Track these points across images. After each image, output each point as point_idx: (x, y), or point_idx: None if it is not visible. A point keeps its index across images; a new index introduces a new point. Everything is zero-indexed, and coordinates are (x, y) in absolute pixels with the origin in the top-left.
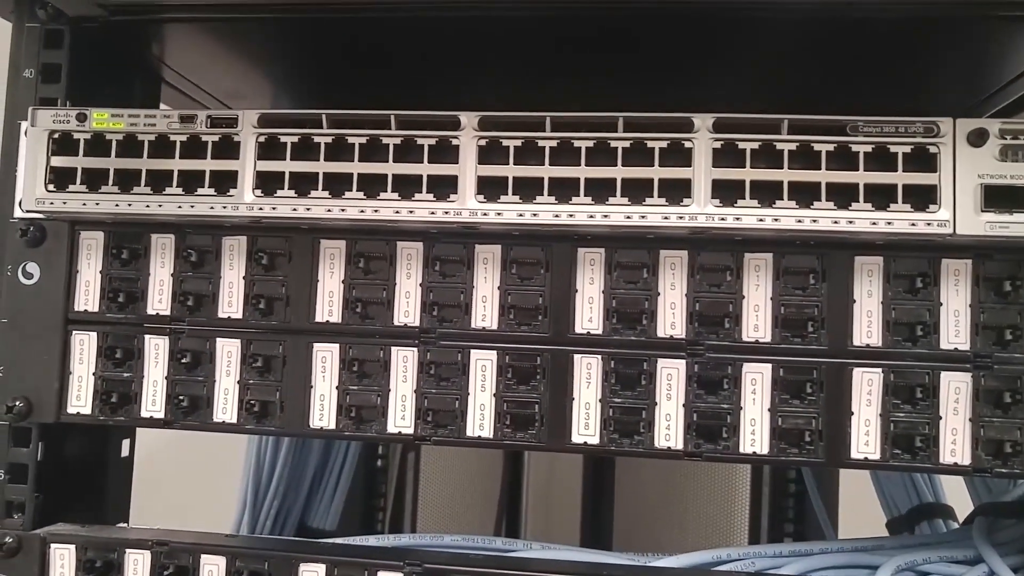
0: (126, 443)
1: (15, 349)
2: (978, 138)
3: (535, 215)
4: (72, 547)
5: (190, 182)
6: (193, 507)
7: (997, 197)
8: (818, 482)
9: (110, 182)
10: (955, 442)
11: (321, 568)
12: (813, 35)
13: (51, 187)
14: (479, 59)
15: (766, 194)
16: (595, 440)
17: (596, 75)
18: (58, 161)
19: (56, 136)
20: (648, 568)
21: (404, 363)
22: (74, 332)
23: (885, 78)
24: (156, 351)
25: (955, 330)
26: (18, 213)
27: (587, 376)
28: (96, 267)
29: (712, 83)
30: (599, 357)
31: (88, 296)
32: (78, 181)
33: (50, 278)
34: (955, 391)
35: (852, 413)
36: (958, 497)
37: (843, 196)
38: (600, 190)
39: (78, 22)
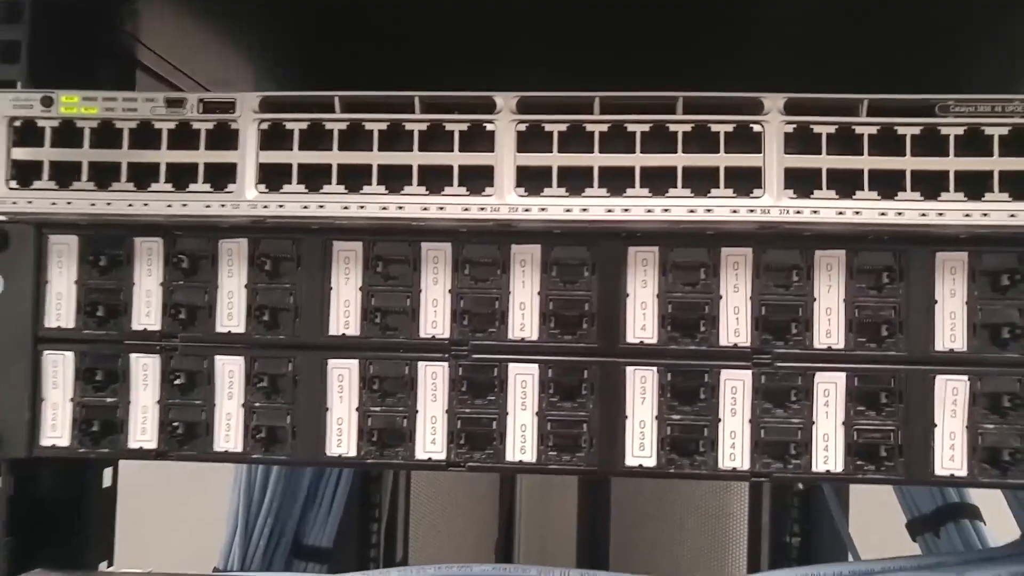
0: (108, 472)
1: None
2: None
3: (584, 210)
4: None
5: (180, 177)
6: (180, 531)
7: None
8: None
9: (84, 177)
10: None
11: None
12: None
13: (13, 184)
14: (502, 36)
15: (845, 184)
16: (651, 462)
17: (638, 52)
18: (20, 153)
19: (17, 124)
20: None
21: (433, 380)
22: (45, 352)
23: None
24: (144, 371)
25: None
26: None
27: (641, 391)
28: (70, 276)
29: (754, 60)
30: (654, 369)
31: (61, 310)
32: (45, 176)
33: (14, 290)
34: None
35: (935, 425)
36: (980, 495)
37: (931, 185)
38: (658, 181)
39: None
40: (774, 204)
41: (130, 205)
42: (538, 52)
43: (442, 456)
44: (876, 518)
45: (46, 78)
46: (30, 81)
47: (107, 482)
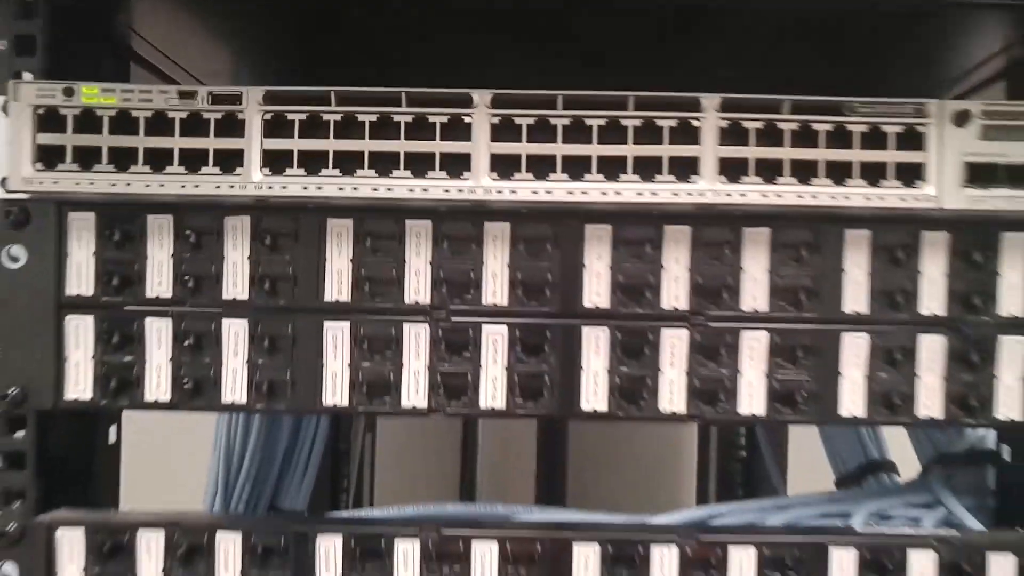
0: (113, 430)
1: (6, 335)
2: (962, 119)
3: (549, 192)
4: (81, 530)
5: (192, 161)
6: (158, 493)
7: (978, 174)
8: (770, 444)
9: (104, 160)
10: (930, 398)
11: (338, 539)
12: (802, 24)
13: (39, 165)
14: (479, 38)
15: (769, 171)
16: (604, 407)
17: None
18: (44, 138)
19: (41, 112)
20: (652, 526)
21: (416, 339)
22: (67, 316)
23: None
24: (158, 334)
25: (933, 296)
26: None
27: (595, 347)
28: (88, 249)
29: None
30: (606, 329)
31: (81, 279)
32: (68, 159)
33: (38, 261)
34: (931, 352)
35: (841, 375)
36: (900, 454)
37: (839, 173)
38: (611, 167)
39: None
40: (709, 188)
41: (147, 186)
42: (513, 57)
43: (424, 404)
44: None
45: (54, 69)
46: (43, 73)
47: (112, 439)
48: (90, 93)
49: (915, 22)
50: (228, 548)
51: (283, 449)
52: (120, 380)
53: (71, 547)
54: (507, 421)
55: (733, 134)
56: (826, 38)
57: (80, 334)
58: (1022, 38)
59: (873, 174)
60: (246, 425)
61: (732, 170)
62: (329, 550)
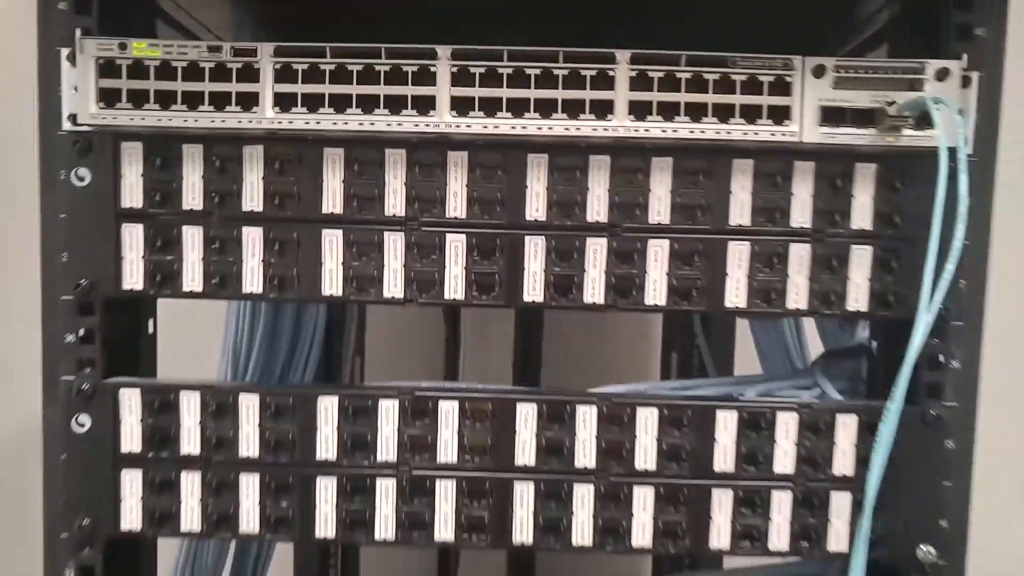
0: (151, 322)
1: (77, 239)
2: (819, 71)
3: (496, 127)
4: (137, 391)
5: (219, 101)
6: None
7: (831, 115)
8: (710, 341)
9: (151, 101)
10: (797, 294)
11: (335, 399)
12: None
13: (101, 105)
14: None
15: (669, 111)
16: (540, 299)
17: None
18: (104, 83)
19: (101, 62)
20: (578, 392)
21: (394, 244)
22: (123, 224)
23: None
24: (192, 238)
25: (801, 211)
26: (66, 127)
27: (535, 252)
28: (138, 171)
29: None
30: (543, 237)
31: (132, 195)
32: (123, 100)
33: (99, 180)
34: (799, 257)
35: (727, 275)
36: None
37: (724, 113)
38: (546, 108)
39: None
40: (621, 125)
41: (184, 121)
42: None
43: (401, 295)
44: None
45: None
46: (96, 30)
47: (151, 330)
48: (139, 47)
49: None
50: (249, 406)
51: (288, 339)
52: (163, 274)
53: (130, 403)
54: (488, 312)
55: (641, 81)
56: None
57: (132, 238)
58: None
59: (751, 114)
60: (252, 323)
61: (640, 111)
62: (327, 408)
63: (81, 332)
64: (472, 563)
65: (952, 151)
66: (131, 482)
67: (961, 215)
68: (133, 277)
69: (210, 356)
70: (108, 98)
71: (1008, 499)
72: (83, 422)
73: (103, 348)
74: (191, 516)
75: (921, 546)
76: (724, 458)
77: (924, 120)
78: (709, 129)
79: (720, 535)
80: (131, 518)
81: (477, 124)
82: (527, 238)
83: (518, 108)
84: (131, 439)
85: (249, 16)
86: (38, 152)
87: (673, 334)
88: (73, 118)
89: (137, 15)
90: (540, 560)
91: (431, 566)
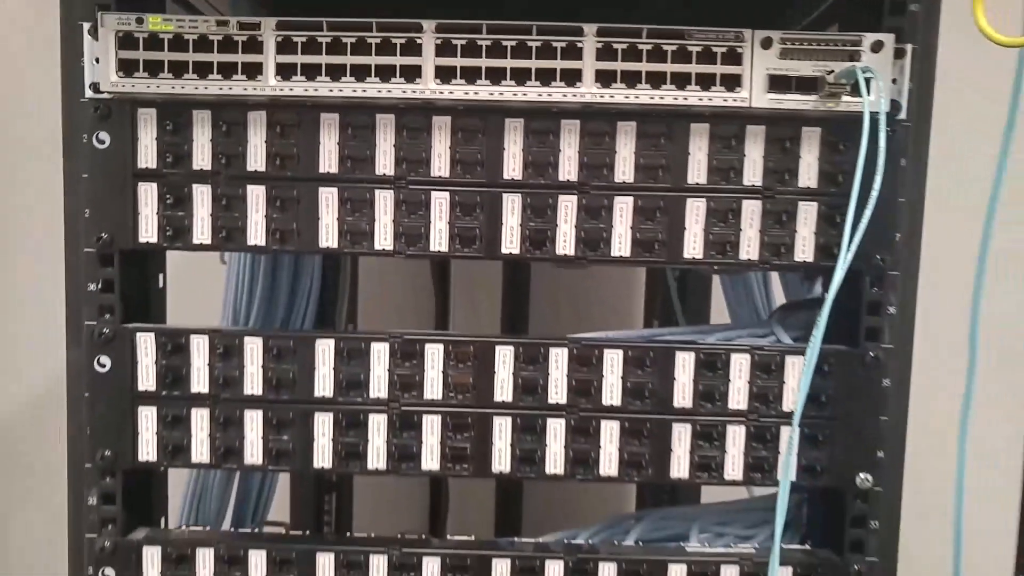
0: (161, 276)
1: (98, 197)
2: (766, 43)
3: (476, 94)
4: (152, 335)
5: (226, 71)
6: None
7: (778, 83)
8: (687, 298)
9: (165, 71)
10: (750, 246)
11: (331, 342)
12: None
13: (120, 74)
14: None
15: (631, 80)
16: (517, 251)
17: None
18: (123, 54)
19: (120, 35)
20: (551, 337)
21: (384, 201)
22: (139, 183)
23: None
24: (201, 196)
25: (753, 171)
26: (88, 95)
27: (511, 209)
28: (152, 135)
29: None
30: (519, 195)
31: (148, 156)
32: (140, 69)
33: (118, 143)
34: (751, 212)
35: (685, 229)
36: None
37: (682, 81)
38: (521, 76)
39: None
40: (589, 91)
41: (195, 89)
42: None
43: (391, 248)
44: None
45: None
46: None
47: (160, 284)
48: (155, 21)
49: None
50: (253, 348)
51: (285, 297)
52: (175, 229)
53: (146, 346)
54: (476, 272)
55: (606, 52)
56: None
57: (148, 196)
58: None
59: (706, 82)
60: (251, 283)
61: (606, 79)
62: (324, 350)
63: (101, 282)
64: (462, 499)
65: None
66: (147, 418)
67: (879, 168)
68: (148, 231)
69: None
70: (126, 68)
71: (938, 432)
72: (104, 363)
73: (121, 296)
74: (201, 449)
75: (861, 474)
76: (683, 395)
77: (863, 87)
78: (668, 96)
79: (680, 466)
80: (147, 450)
81: (459, 91)
82: (505, 195)
83: (496, 76)
84: (147, 379)
85: None
86: (61, 118)
87: (655, 289)
88: (95, 86)
89: None
90: (528, 495)
91: (423, 503)
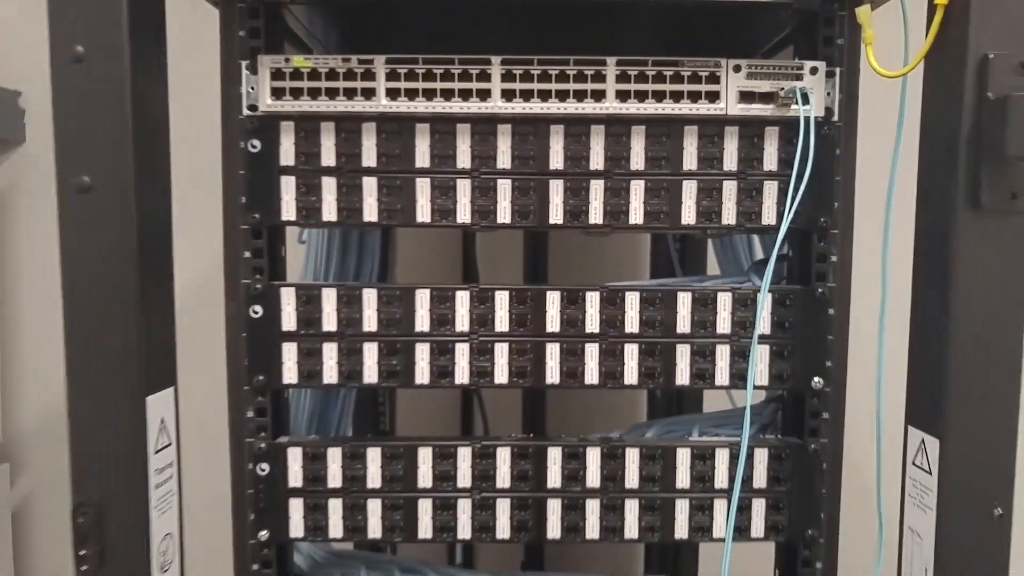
0: (283, 248)
1: (251, 187)
2: (737, 68)
3: (530, 108)
4: (292, 289)
5: (349, 93)
6: None
7: (746, 96)
8: (687, 261)
9: (304, 95)
10: (729, 214)
11: (427, 292)
12: (667, 20)
13: (272, 98)
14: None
15: (641, 96)
16: (560, 222)
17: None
18: (274, 84)
19: (273, 70)
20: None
21: (463, 187)
22: (282, 177)
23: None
24: (328, 186)
25: (730, 160)
26: (246, 112)
27: (556, 191)
28: (291, 141)
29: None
30: (562, 181)
31: (288, 157)
32: (287, 94)
33: (267, 148)
34: (729, 190)
35: (682, 203)
36: None
37: (677, 96)
38: (562, 96)
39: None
40: (611, 105)
41: (326, 107)
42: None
43: (469, 222)
44: None
45: (267, 44)
46: (263, 48)
47: (283, 254)
48: (298, 60)
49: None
50: (370, 297)
51: (354, 265)
52: (308, 210)
53: (288, 297)
54: (499, 243)
55: (623, 77)
56: (691, 24)
57: (288, 186)
58: (792, 16)
59: (694, 97)
60: (328, 249)
61: (623, 96)
62: (422, 297)
63: (253, 250)
64: (492, 404)
65: (817, 120)
66: (289, 351)
67: (810, 156)
68: (289, 213)
69: None
70: (276, 93)
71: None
72: (257, 311)
73: (268, 261)
74: (331, 373)
75: (815, 379)
76: (684, 324)
77: (803, 99)
78: (667, 107)
79: (683, 376)
80: (290, 376)
81: (518, 107)
82: (550, 181)
83: (544, 95)
84: (289, 321)
85: (341, 30)
86: (220, 129)
87: (657, 255)
88: (253, 107)
89: (274, 34)
90: (550, 402)
91: (455, 414)
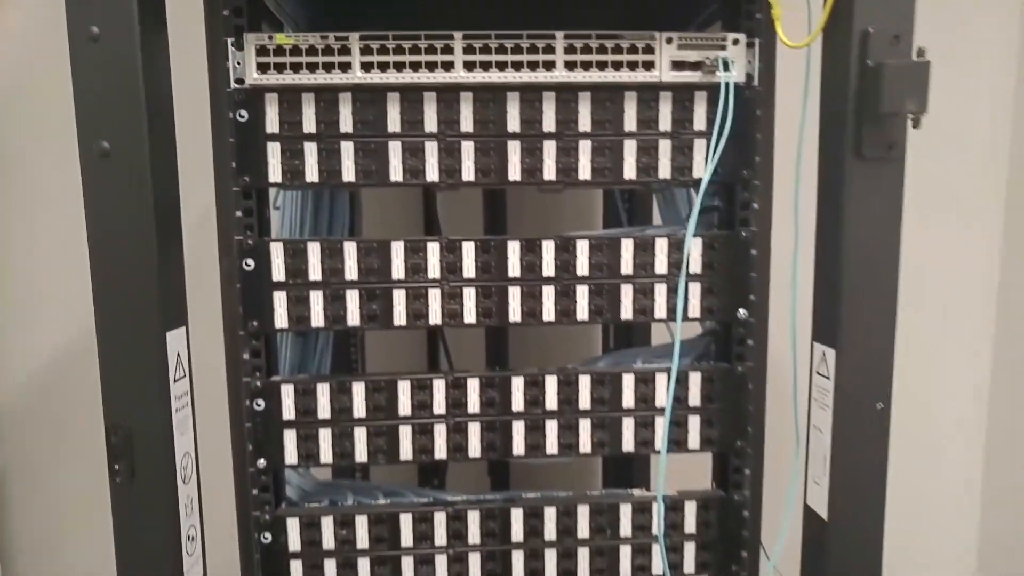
0: (268, 210)
1: (240, 153)
2: (669, 40)
3: (489, 78)
4: (280, 243)
5: (327, 67)
6: None
7: (678, 65)
8: (633, 214)
9: (286, 69)
10: (664, 168)
11: (402, 244)
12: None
13: (257, 72)
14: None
15: (587, 66)
16: (519, 178)
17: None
18: (259, 59)
19: (257, 47)
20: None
21: (431, 149)
22: (268, 143)
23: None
24: (310, 150)
25: (664, 121)
26: (233, 86)
27: (514, 150)
28: (276, 111)
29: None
30: (519, 141)
31: (272, 125)
32: (271, 68)
33: (253, 118)
34: (665, 147)
35: (624, 160)
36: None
37: (618, 65)
38: (517, 66)
39: None
40: (560, 74)
41: (305, 80)
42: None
43: (436, 179)
44: None
45: (249, 23)
46: (245, 26)
47: (268, 214)
48: (280, 38)
49: None
50: (350, 249)
51: (326, 226)
52: (292, 172)
53: (277, 251)
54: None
55: (570, 48)
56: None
57: (274, 151)
58: None
59: (633, 66)
60: (302, 212)
61: (571, 66)
62: (398, 249)
63: (244, 210)
64: (457, 345)
65: (739, 85)
66: (279, 298)
67: (729, 114)
68: (275, 175)
69: None
70: (262, 68)
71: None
72: (249, 264)
73: (257, 221)
74: (318, 318)
75: (740, 310)
76: (627, 267)
77: (725, 67)
78: (610, 75)
79: (627, 311)
80: (281, 322)
81: (478, 76)
82: (508, 142)
83: (501, 66)
84: (279, 272)
85: (313, 9)
86: (209, 102)
87: (608, 213)
88: (240, 81)
89: (254, 12)
90: (512, 342)
91: (422, 350)
